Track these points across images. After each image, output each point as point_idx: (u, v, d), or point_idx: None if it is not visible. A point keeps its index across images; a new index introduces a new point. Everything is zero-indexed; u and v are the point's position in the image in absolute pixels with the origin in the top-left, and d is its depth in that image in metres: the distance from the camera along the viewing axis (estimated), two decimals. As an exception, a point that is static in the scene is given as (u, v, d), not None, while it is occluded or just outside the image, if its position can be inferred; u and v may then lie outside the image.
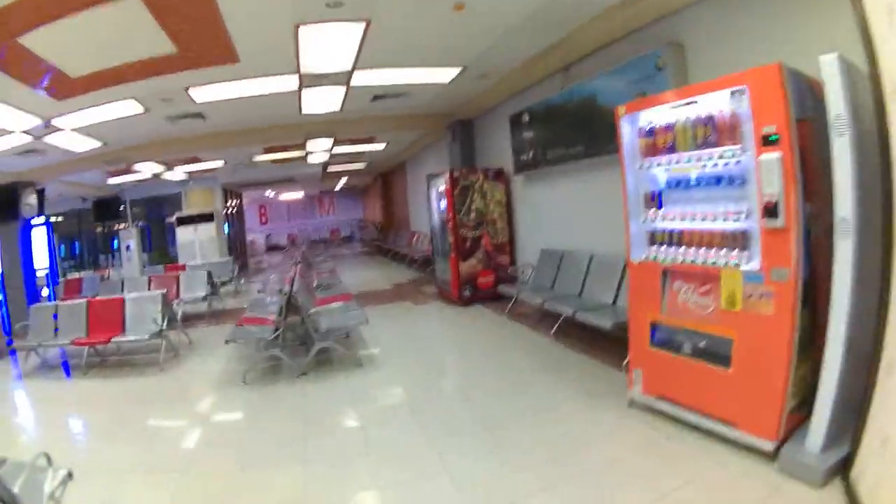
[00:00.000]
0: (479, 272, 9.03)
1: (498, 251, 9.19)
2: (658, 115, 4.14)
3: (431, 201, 10.26)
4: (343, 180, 26.14)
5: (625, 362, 4.72)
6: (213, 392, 5.88)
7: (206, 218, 16.32)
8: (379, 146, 14.64)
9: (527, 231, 9.11)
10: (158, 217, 18.83)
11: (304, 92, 7.69)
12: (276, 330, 5.94)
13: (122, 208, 17.76)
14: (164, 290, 7.59)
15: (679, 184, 4.09)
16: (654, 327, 4.26)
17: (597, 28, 6.00)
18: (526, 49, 6.81)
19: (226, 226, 18.23)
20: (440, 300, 9.73)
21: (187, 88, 6.80)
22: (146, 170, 13.59)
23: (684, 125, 3.95)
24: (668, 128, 4.06)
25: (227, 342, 6.12)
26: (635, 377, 4.35)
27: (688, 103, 3.90)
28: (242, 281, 15.22)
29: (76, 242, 20.67)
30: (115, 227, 18.39)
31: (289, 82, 7.14)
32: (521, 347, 6.40)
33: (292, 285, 6.47)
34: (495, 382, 5.31)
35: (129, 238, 15.96)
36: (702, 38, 5.09)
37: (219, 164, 14.28)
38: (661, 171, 4.18)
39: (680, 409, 3.96)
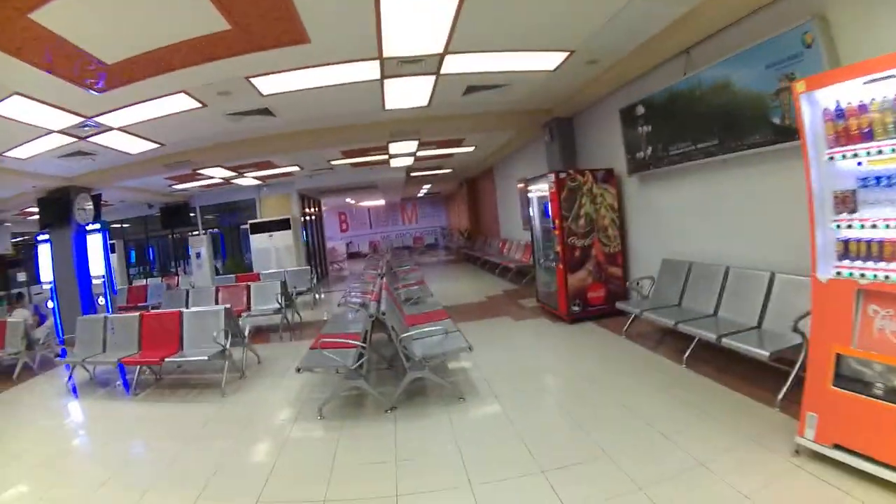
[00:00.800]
0: (589, 285, 8.16)
1: (609, 262, 8.28)
2: (850, 92, 3.21)
3: (531, 207, 9.48)
4: (426, 187, 25.84)
5: (779, 397, 4.22)
6: (281, 428, 5.12)
7: (282, 225, 16.13)
8: (467, 149, 14.02)
9: (642, 239, 8.15)
10: (233, 224, 18.83)
11: (388, 83, 7.04)
12: (360, 357, 5.33)
13: (192, 215, 17.73)
14: (228, 305, 7.20)
15: (880, 180, 3.15)
16: (838, 361, 3.35)
17: (724, 2, 5.14)
18: (643, 28, 5.94)
19: (303, 233, 17.98)
20: (543, 315, 8.91)
21: (248, 77, 6.08)
22: (215, 175, 13.30)
23: (882, 105, 3.05)
24: (863, 108, 3.15)
25: (298, 370, 5.30)
26: (808, 421, 3.45)
27: (888, 76, 3.00)
28: (322, 291, 14.81)
29: (151, 248, 20.99)
30: (187, 234, 18.49)
31: (369, 70, 6.43)
32: (651, 377, 5.48)
33: (379, 303, 5.84)
34: (631, 426, 4.40)
35: (199, 245, 16.07)
36: (848, 12, 4.25)
37: (293, 168, 13.97)
38: (854, 163, 3.24)
39: (865, 461, 3.12)
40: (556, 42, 6.19)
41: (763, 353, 4.44)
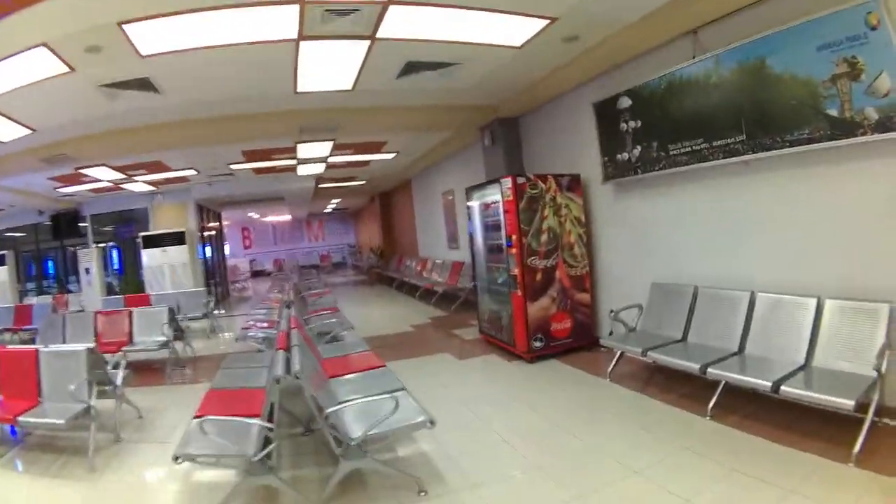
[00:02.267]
0: (553, 315, 6.69)
1: (576, 286, 6.86)
2: None
3: (472, 221, 7.96)
4: (335, 201, 24.06)
5: (855, 450, 3.35)
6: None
7: (177, 238, 14.00)
8: (387, 156, 12.32)
9: (617, 259, 6.83)
10: (130, 236, 16.30)
11: (304, 50, 5.24)
12: (267, 443, 3.42)
13: (83, 224, 15.28)
14: (92, 345, 5.13)
15: None
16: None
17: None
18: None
19: (202, 248, 15.96)
20: (492, 351, 7.33)
21: (122, 24, 4.20)
22: (101, 177, 11.05)
23: None
24: None
25: (176, 460, 3.38)
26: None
27: None
28: (221, 314, 12.87)
29: (48, 261, 18.03)
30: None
31: (283, 23, 4.61)
32: (680, 437, 4.05)
33: (289, 354, 3.98)
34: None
35: (88, 260, 13.93)
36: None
37: (189, 172, 11.87)
38: None
39: None
40: (538, 2, 4.70)
41: (846, 403, 3.33)
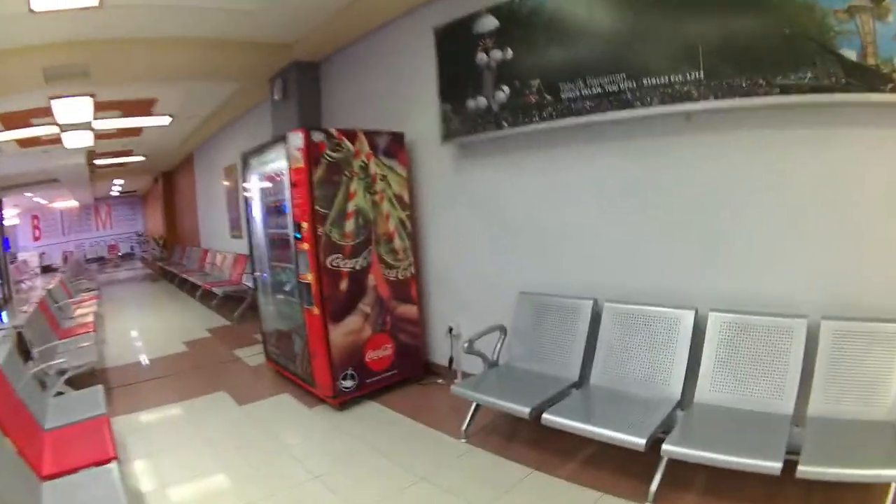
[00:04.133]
0: (367, 341, 4.54)
1: (398, 296, 4.77)
2: None
3: (250, 200, 5.57)
4: (118, 182, 19.93)
5: None
6: None
7: None
8: (162, 120, 9.32)
9: (463, 256, 4.78)
10: None
11: None
12: None
13: None
14: None
15: None
16: None
17: None
18: None
19: None
20: (285, 388, 5.01)
21: None
22: None
23: None
24: None
25: None
26: None
27: None
28: None
29: None
30: None
31: None
32: None
33: None
34: None
35: None
36: None
37: None
38: None
39: None
40: None
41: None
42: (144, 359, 6.49)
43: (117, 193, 23.68)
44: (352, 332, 4.44)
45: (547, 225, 4.06)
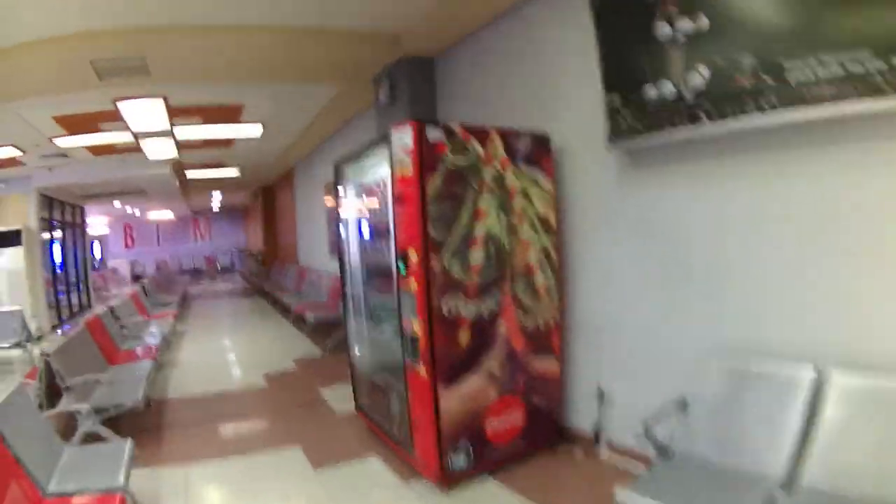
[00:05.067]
0: (489, 407, 3.36)
1: (536, 347, 3.57)
2: None
3: (343, 218, 4.55)
4: (217, 196, 20.08)
5: None
6: None
7: (9, 238, 10.87)
8: (252, 131, 8.60)
9: (626, 297, 3.47)
10: None
11: None
12: None
13: None
14: None
15: None
16: None
17: None
18: None
19: (55, 250, 12.66)
20: (377, 451, 3.93)
21: None
22: None
23: None
24: None
25: None
26: None
27: None
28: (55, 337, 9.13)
29: None
30: None
31: None
32: None
33: None
34: None
35: None
36: None
37: (12, 152, 8.41)
38: None
39: None
40: None
41: None
42: (213, 392, 5.70)
43: (217, 207, 24.06)
44: (470, 396, 3.27)
45: (750, 261, 2.74)
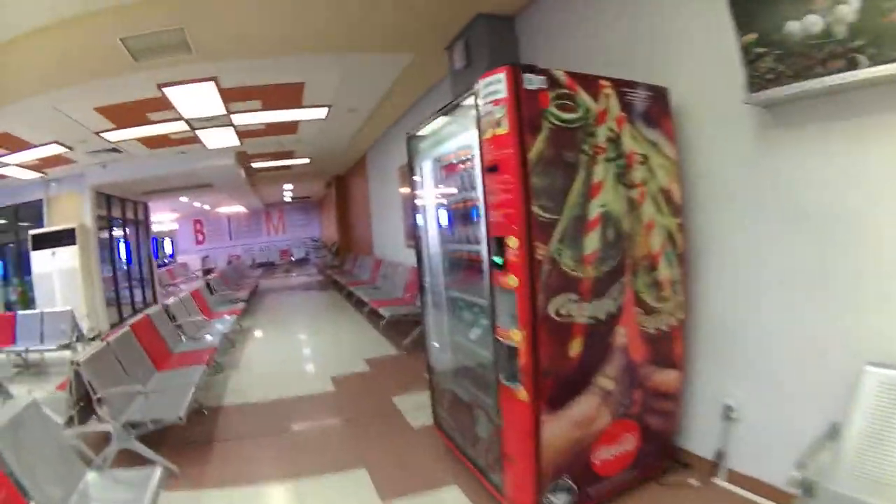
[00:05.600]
0: (600, 434, 2.64)
1: (655, 356, 2.82)
2: None
3: (420, 201, 3.84)
4: (288, 188, 19.70)
5: None
6: None
7: (65, 237, 10.65)
8: (316, 112, 7.98)
9: (768, 294, 2.67)
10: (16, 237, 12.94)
11: None
12: None
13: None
14: None
15: None
16: None
17: None
18: None
19: (119, 248, 12.73)
20: (457, 479, 3.26)
21: None
22: None
23: None
24: None
25: None
26: None
27: None
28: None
29: None
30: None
31: None
32: None
33: None
34: None
35: None
36: None
37: (57, 149, 8.06)
38: None
39: None
40: None
41: None
42: (272, 399, 5.12)
43: (289, 199, 23.83)
44: (579, 423, 2.57)
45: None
